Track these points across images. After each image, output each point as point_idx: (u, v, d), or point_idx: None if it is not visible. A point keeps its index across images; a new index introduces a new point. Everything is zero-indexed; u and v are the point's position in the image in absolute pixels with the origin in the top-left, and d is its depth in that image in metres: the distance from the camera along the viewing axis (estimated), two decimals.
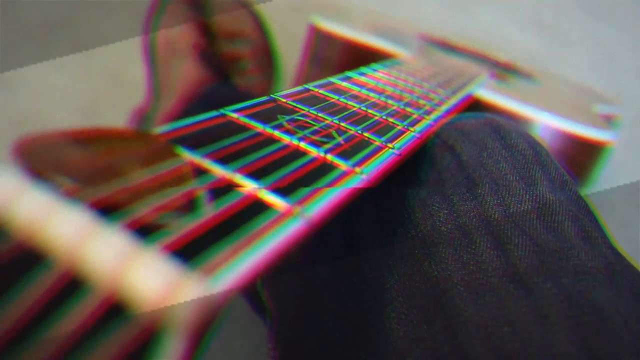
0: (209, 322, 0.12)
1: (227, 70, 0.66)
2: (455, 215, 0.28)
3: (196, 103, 0.59)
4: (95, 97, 0.73)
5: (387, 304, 0.27)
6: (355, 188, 0.20)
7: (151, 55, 0.67)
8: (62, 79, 0.74)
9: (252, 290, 0.40)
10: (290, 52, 0.74)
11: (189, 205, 0.15)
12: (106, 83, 0.75)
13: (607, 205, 0.77)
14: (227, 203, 0.16)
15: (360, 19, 0.71)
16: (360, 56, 0.61)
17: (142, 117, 0.66)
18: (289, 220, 0.16)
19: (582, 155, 0.56)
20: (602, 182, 0.78)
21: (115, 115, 0.71)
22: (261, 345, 0.36)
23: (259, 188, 0.17)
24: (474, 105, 0.50)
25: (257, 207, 0.16)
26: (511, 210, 0.28)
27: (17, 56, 0.74)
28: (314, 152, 0.21)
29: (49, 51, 0.76)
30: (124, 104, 0.70)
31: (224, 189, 0.17)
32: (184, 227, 0.14)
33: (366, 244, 0.31)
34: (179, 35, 0.65)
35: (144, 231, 0.13)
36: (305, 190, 0.18)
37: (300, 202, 0.17)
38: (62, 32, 0.78)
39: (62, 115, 0.71)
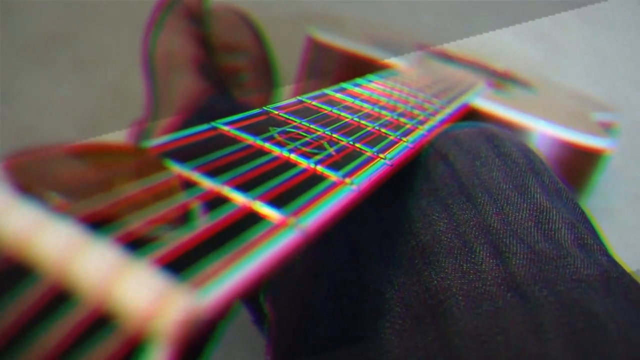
0: (197, 334, 0.12)
1: (226, 83, 0.66)
2: (455, 224, 0.28)
3: (195, 116, 0.60)
4: (94, 111, 0.74)
5: (385, 313, 0.27)
6: (349, 199, 0.20)
7: (150, 69, 0.67)
8: (61, 93, 0.74)
9: (253, 301, 0.40)
10: (288, 64, 0.75)
11: (182, 218, 0.15)
12: (106, 96, 0.75)
13: (607, 212, 0.77)
14: (221, 215, 0.16)
15: (357, 30, 0.71)
16: (357, 67, 0.61)
17: (142, 130, 0.66)
18: (283, 232, 0.16)
19: (580, 163, 0.56)
20: (602, 188, 0.78)
21: (115, 129, 0.71)
22: (259, 356, 0.36)
23: (253, 200, 0.17)
24: (472, 115, 0.50)
25: (251, 219, 0.16)
26: (509, 218, 0.28)
27: (16, 70, 0.75)
28: (304, 163, 0.21)
29: (49, 65, 0.77)
30: (124, 117, 0.71)
31: (218, 201, 0.17)
32: (176, 239, 0.14)
33: (367, 253, 0.31)
34: (178, 48, 0.65)
35: (136, 244, 0.13)
36: (300, 201, 0.18)
37: (295, 213, 0.17)
38: (62, 46, 0.79)
39: (61, 129, 0.71)
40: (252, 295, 0.38)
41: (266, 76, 0.71)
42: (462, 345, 0.23)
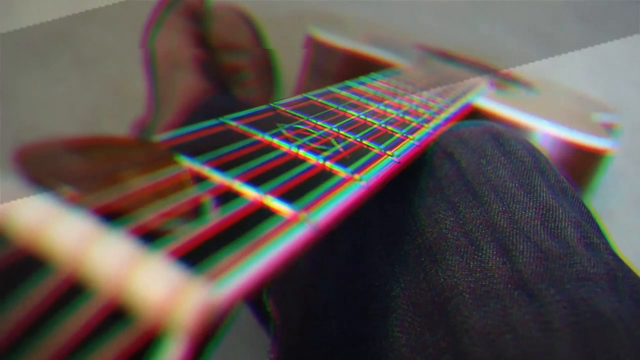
0: (212, 327, 0.12)
1: (226, 82, 0.66)
2: (461, 222, 0.28)
3: (196, 114, 0.59)
4: (95, 109, 0.74)
5: (392, 311, 0.27)
6: (358, 195, 0.20)
7: (151, 67, 0.67)
8: (62, 91, 0.74)
9: (257, 300, 0.40)
10: (290, 62, 0.75)
11: (194, 212, 0.15)
12: (107, 95, 0.75)
13: (609, 213, 0.77)
14: (233, 209, 0.16)
15: (357, 30, 0.71)
16: (358, 66, 0.61)
17: (143, 128, 0.66)
18: (295, 226, 0.16)
19: (582, 163, 0.56)
20: (603, 190, 0.78)
21: (116, 127, 0.71)
22: (263, 355, 0.36)
23: (264, 194, 0.17)
24: (474, 114, 0.50)
25: (262, 214, 0.16)
26: (516, 217, 0.28)
27: (17, 69, 0.74)
28: (312, 159, 0.21)
29: (50, 64, 0.76)
30: (125, 115, 0.71)
31: (229, 195, 0.17)
32: (189, 233, 0.14)
33: (373, 252, 0.31)
34: (179, 47, 0.65)
35: (149, 237, 0.13)
36: (310, 197, 0.18)
37: (306, 208, 0.17)
38: (63, 44, 0.79)
39: (62, 127, 0.71)
40: (256, 293, 0.38)
41: (267, 75, 0.71)
42: (471, 343, 0.23)
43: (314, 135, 0.24)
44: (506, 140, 0.32)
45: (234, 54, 0.69)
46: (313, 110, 0.27)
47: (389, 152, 0.25)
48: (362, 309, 0.29)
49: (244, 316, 0.47)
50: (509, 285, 0.25)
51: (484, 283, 0.25)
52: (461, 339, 0.24)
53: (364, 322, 0.28)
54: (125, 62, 0.77)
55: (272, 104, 0.26)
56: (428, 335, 0.25)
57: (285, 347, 0.32)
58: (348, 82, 0.35)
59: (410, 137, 0.28)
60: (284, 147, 0.22)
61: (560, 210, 0.28)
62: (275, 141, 0.22)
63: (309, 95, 0.30)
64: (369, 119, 0.29)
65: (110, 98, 0.75)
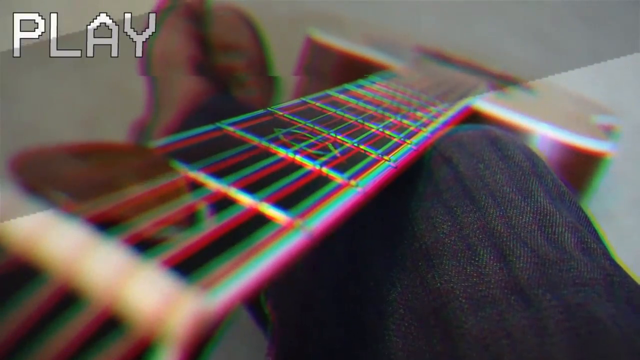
0: (206, 335, 0.12)
1: (226, 83, 0.66)
2: (458, 227, 0.28)
3: (195, 115, 0.59)
4: (95, 109, 0.74)
5: (389, 316, 0.27)
6: (354, 201, 0.20)
7: (149, 68, 0.67)
8: (62, 91, 0.74)
9: (254, 302, 0.40)
10: (289, 64, 0.75)
11: (189, 219, 0.15)
12: (106, 95, 0.75)
13: (608, 216, 0.77)
14: (228, 217, 0.16)
15: (357, 31, 0.71)
16: (357, 68, 0.61)
17: (142, 129, 0.66)
18: (290, 234, 0.16)
19: (581, 166, 0.56)
20: (602, 192, 0.78)
21: (116, 127, 0.71)
22: (261, 356, 0.36)
23: (260, 201, 0.17)
24: (473, 117, 0.50)
25: (258, 221, 0.16)
26: (513, 222, 0.28)
27: (17, 68, 0.74)
28: (309, 165, 0.21)
29: (49, 63, 0.76)
30: (124, 116, 0.71)
31: (225, 202, 0.17)
32: (184, 241, 0.14)
33: (370, 256, 0.31)
34: (178, 48, 0.65)
35: (144, 245, 0.13)
36: (306, 203, 0.18)
37: (301, 215, 0.17)
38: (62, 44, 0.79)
39: (62, 127, 0.71)
40: (251, 301, 0.38)
41: (264, 76, 0.71)
42: (467, 348, 0.23)
43: (311, 140, 0.24)
44: (504, 144, 0.33)
45: (233, 55, 0.69)
46: (311, 114, 0.27)
47: (386, 158, 0.25)
48: (359, 313, 0.29)
49: (242, 317, 0.47)
50: (506, 291, 0.25)
51: (480, 288, 0.25)
52: (457, 344, 0.24)
53: (361, 326, 0.28)
54: (125, 62, 0.77)
55: (269, 108, 0.26)
56: (424, 340, 0.25)
57: (282, 349, 0.32)
58: (346, 86, 0.35)
59: (408, 141, 0.28)
60: (281, 152, 0.22)
61: (558, 215, 0.28)
62: (272, 147, 0.22)
63: (307, 99, 0.30)
64: (366, 124, 0.29)
65: (110, 98, 0.75)
